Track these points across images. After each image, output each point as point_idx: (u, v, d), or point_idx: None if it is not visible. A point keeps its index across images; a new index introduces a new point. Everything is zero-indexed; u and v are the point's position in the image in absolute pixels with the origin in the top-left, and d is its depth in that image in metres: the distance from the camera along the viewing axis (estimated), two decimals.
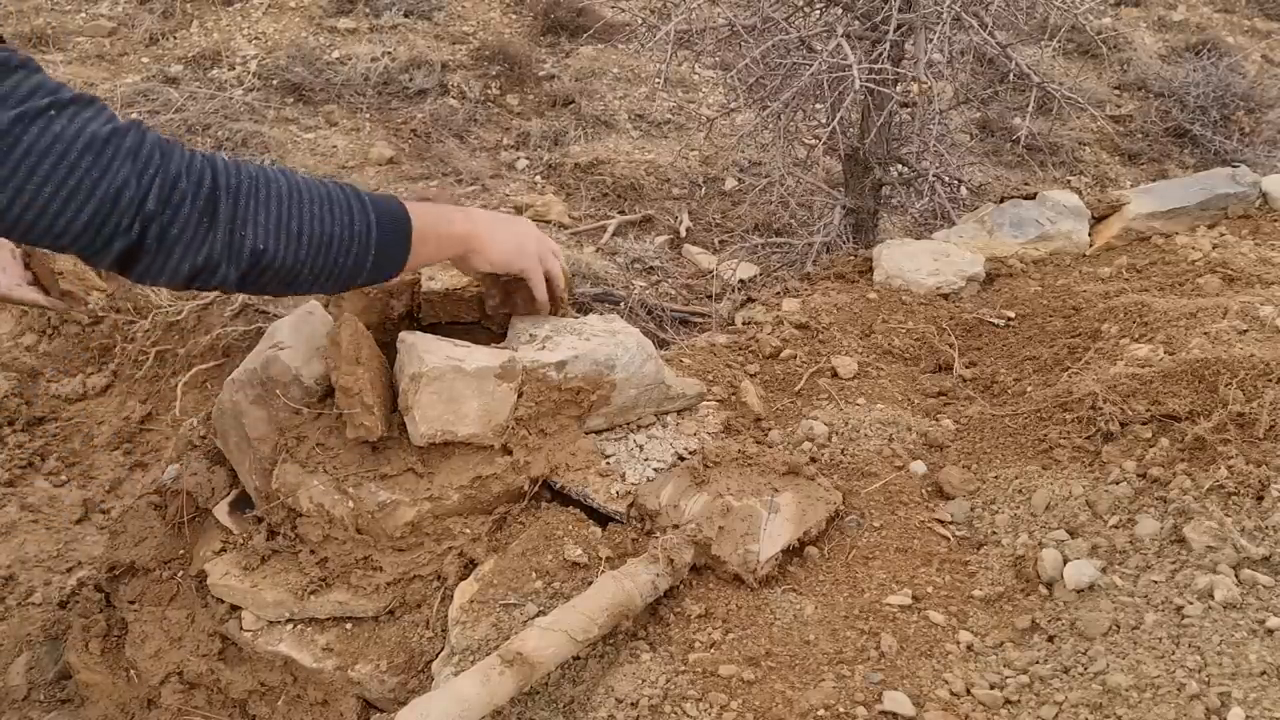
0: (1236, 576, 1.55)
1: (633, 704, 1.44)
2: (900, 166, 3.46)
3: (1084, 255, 2.65)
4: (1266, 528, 1.60)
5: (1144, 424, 1.84)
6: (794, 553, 1.65)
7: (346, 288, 1.38)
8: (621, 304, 3.42)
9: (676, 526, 1.62)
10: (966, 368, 2.24)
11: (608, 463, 1.76)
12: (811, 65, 2.79)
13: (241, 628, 1.70)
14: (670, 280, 3.84)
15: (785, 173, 3.44)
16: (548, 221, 4.12)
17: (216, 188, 1.17)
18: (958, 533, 1.78)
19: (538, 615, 1.55)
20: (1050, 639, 1.56)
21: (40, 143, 1.06)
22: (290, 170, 1.28)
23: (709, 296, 3.60)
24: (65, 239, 1.10)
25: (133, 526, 1.90)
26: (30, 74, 1.09)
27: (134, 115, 4.54)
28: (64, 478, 2.80)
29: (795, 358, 2.20)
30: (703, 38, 3.19)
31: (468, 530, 1.67)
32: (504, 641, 1.47)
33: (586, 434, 1.78)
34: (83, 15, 5.42)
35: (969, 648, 1.57)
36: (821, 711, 1.43)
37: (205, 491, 1.79)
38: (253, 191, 1.20)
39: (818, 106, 3.35)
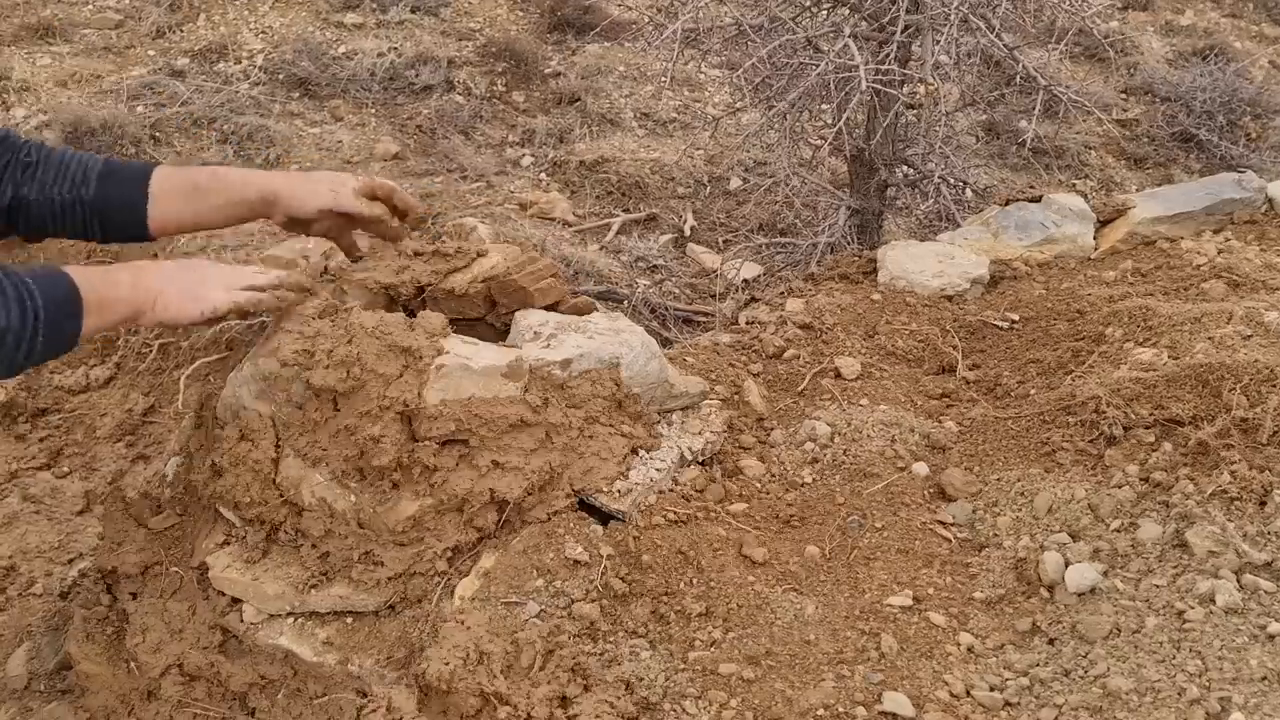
0: (1238, 581, 1.55)
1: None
2: (906, 168, 3.45)
3: (1089, 259, 2.64)
4: (1269, 533, 1.60)
5: (1147, 428, 1.84)
6: None
7: (20, 371, 1.42)
8: (625, 302, 3.42)
9: None
10: (970, 370, 2.23)
11: None
12: (818, 65, 2.79)
13: (242, 620, 1.70)
14: (674, 279, 3.83)
15: (790, 173, 3.44)
16: (552, 219, 4.12)
17: None
18: (959, 534, 1.78)
19: (539, 613, 1.56)
20: (1051, 642, 1.56)
21: None
22: None
23: (713, 296, 3.60)
24: None
25: (110, 531, 1.91)
26: None
27: (140, 109, 4.54)
28: (66, 469, 2.81)
29: (798, 358, 2.20)
30: (709, 37, 3.19)
31: (469, 527, 1.67)
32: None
33: None
34: (89, 8, 5.42)
35: (969, 649, 1.57)
36: (821, 711, 1.43)
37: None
38: None
39: (824, 107, 3.35)
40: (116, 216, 1.63)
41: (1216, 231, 2.69)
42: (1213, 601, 1.52)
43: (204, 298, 1.54)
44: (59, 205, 1.61)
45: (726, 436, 1.95)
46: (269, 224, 1.82)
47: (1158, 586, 1.58)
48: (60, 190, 1.60)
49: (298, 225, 1.75)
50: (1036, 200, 2.78)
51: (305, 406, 1.64)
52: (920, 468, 1.90)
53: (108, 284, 1.45)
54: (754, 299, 3.23)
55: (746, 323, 2.38)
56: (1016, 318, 2.38)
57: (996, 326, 2.36)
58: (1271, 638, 1.46)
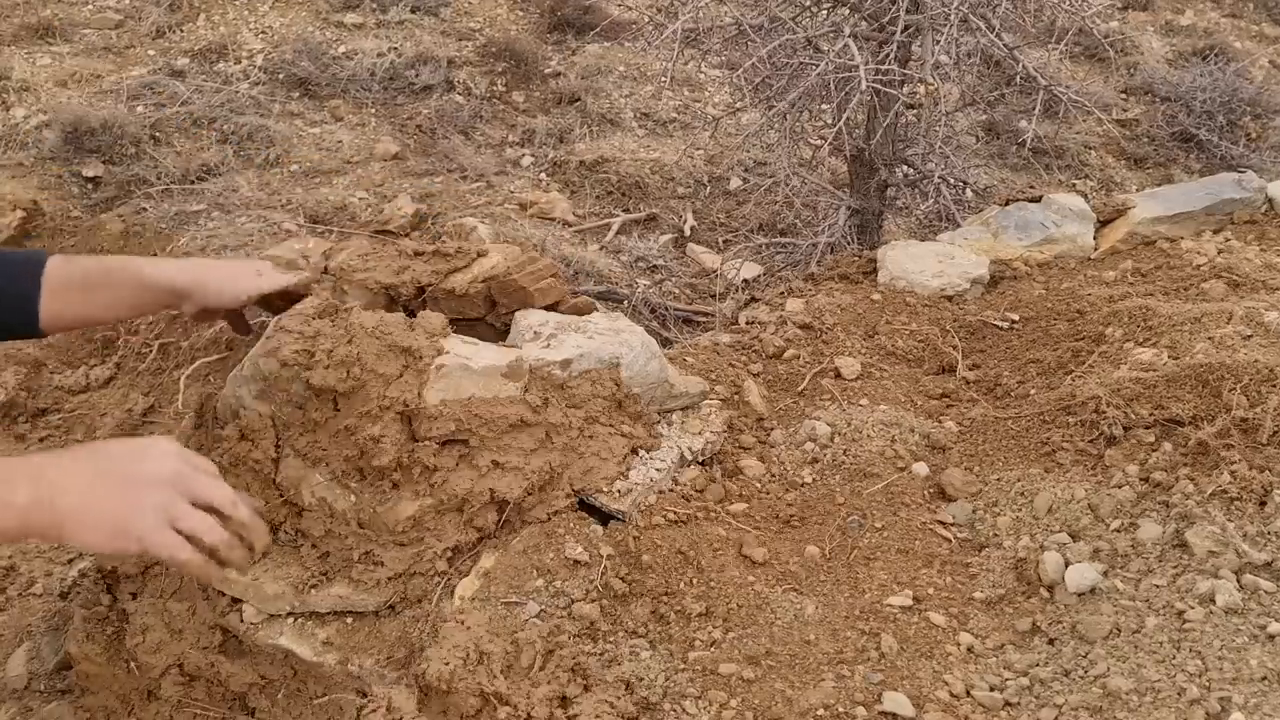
0: (1238, 581, 1.55)
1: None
2: (906, 168, 3.45)
3: (1089, 259, 2.64)
4: (1269, 533, 1.60)
5: (1147, 428, 1.84)
6: None
7: None
8: (625, 302, 3.42)
9: None
10: (970, 370, 2.23)
11: None
12: (818, 65, 2.79)
13: (242, 620, 1.70)
14: (674, 279, 3.83)
15: (790, 173, 3.44)
16: (552, 219, 4.12)
17: None
18: (959, 534, 1.78)
19: (539, 613, 1.56)
20: (1051, 642, 1.56)
21: None
22: None
23: (713, 296, 3.60)
24: None
25: None
26: None
27: (140, 109, 4.54)
28: None
29: (798, 358, 2.20)
30: (709, 36, 3.19)
31: (470, 526, 1.67)
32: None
33: None
34: (90, 7, 5.42)
35: (969, 649, 1.57)
36: (821, 711, 1.43)
37: None
38: None
39: (824, 107, 3.35)
40: (6, 308, 1.45)
41: (1216, 231, 2.69)
42: (1213, 601, 1.52)
43: (133, 533, 1.19)
44: None
45: (726, 436, 1.95)
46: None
47: (1158, 586, 1.58)
48: None
49: (205, 316, 1.64)
50: (1036, 200, 2.78)
51: (305, 406, 1.64)
52: (920, 468, 1.90)
53: (3, 485, 1.14)
54: (754, 299, 3.23)
55: (746, 323, 2.38)
56: (1016, 318, 2.38)
57: (996, 326, 2.36)
58: (1271, 638, 1.46)
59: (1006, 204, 2.80)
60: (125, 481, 1.20)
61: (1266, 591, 1.52)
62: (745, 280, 3.69)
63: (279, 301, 1.71)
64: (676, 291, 3.75)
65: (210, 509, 1.25)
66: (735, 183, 4.53)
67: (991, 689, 1.49)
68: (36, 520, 1.15)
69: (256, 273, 1.61)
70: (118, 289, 1.51)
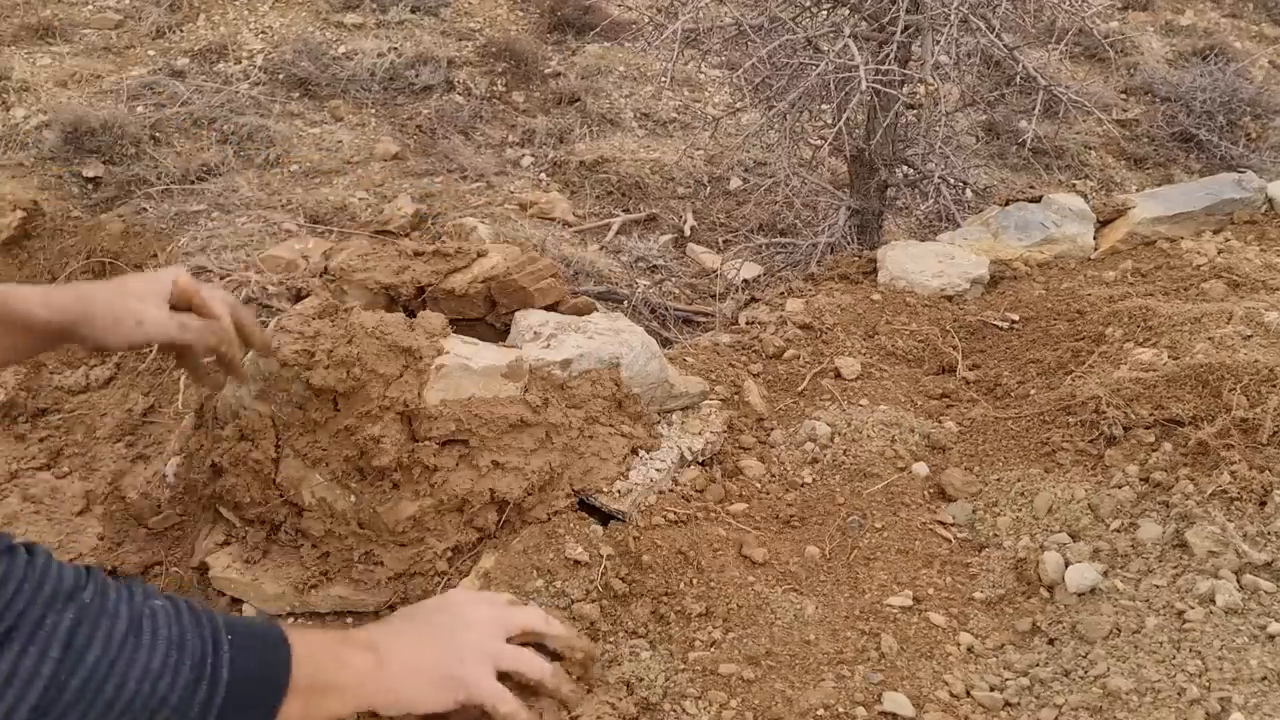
0: (1238, 581, 1.55)
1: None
2: (906, 168, 3.46)
3: (1089, 259, 2.65)
4: (1269, 533, 1.60)
5: (1147, 428, 1.84)
6: None
7: None
8: (625, 302, 3.42)
9: None
10: (970, 370, 2.23)
11: None
12: (818, 66, 2.79)
13: None
14: (674, 279, 3.83)
15: (790, 173, 3.44)
16: (552, 219, 4.12)
17: (13, 628, 0.85)
18: (959, 534, 1.78)
19: None
20: (1051, 642, 1.56)
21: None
22: (145, 596, 0.94)
23: (713, 296, 3.60)
24: None
25: (110, 531, 1.90)
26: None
27: (140, 109, 4.54)
28: (66, 469, 2.81)
29: (798, 358, 2.20)
30: (709, 37, 3.19)
31: (471, 526, 1.67)
32: None
33: None
34: (89, 7, 5.42)
35: (969, 649, 1.57)
36: (821, 711, 1.43)
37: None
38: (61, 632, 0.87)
39: (824, 107, 3.35)
40: None
41: (1216, 231, 2.69)
42: (1213, 601, 1.52)
43: (461, 681, 1.17)
44: None
45: (726, 436, 1.95)
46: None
47: (1158, 586, 1.58)
48: None
49: (102, 352, 1.44)
50: (1036, 200, 2.78)
51: (305, 406, 1.64)
52: (920, 468, 1.90)
53: (334, 665, 1.07)
54: (754, 299, 3.23)
55: (746, 323, 2.38)
56: (1016, 318, 2.38)
57: (996, 326, 2.36)
58: (1272, 638, 1.46)
59: (1006, 204, 2.80)
60: (448, 633, 1.21)
61: (1266, 591, 1.52)
62: (745, 280, 3.69)
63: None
64: (676, 291, 3.76)
65: (527, 639, 1.26)
66: (735, 183, 4.53)
67: (991, 689, 1.49)
68: (367, 698, 1.11)
69: (138, 322, 1.32)
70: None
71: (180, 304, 1.37)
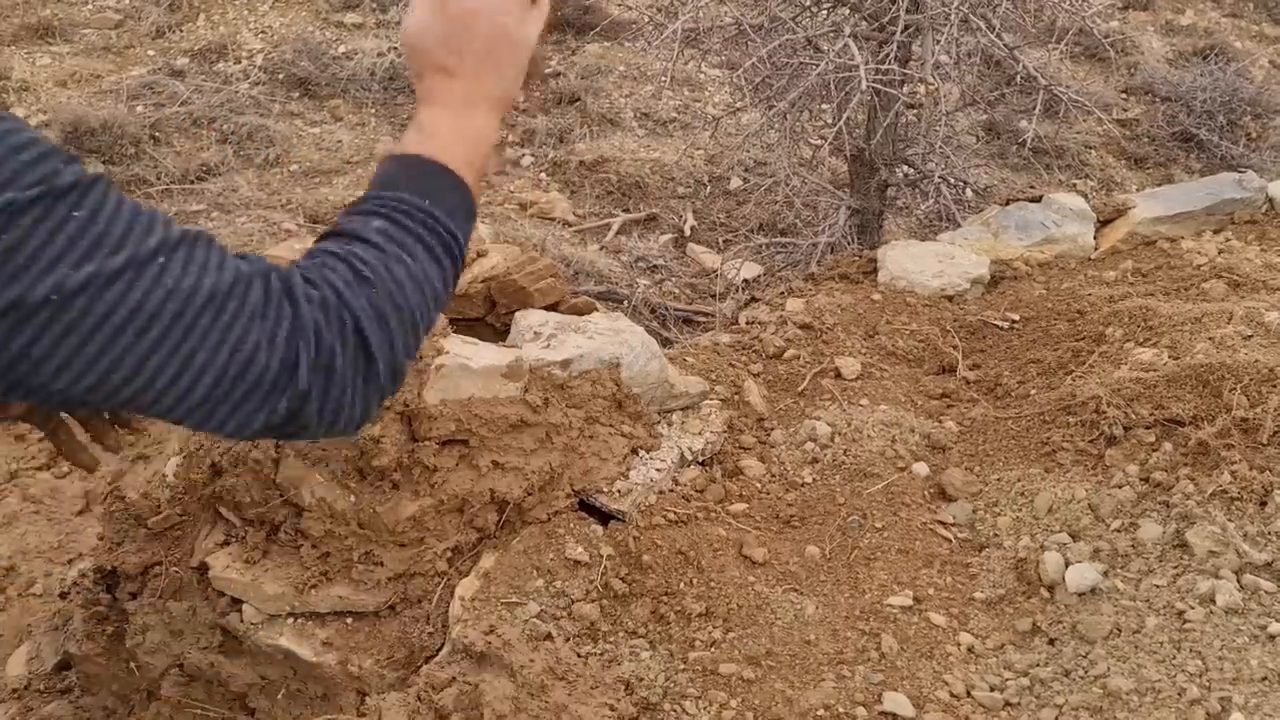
0: (1238, 581, 1.55)
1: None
2: (906, 168, 3.45)
3: (1089, 259, 2.64)
4: (1269, 533, 1.60)
5: (1147, 428, 1.84)
6: None
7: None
8: (625, 302, 3.42)
9: None
10: (970, 370, 2.23)
11: None
12: (818, 65, 2.79)
13: (242, 621, 1.70)
14: (674, 279, 3.83)
15: (790, 173, 3.44)
16: (552, 219, 4.12)
17: (360, 323, 0.95)
18: (959, 534, 1.78)
19: (539, 613, 1.56)
20: (1051, 642, 1.56)
21: (149, 302, 0.83)
22: (385, 233, 1.02)
23: (713, 296, 3.60)
24: (184, 414, 0.89)
25: (110, 531, 1.90)
26: (106, 195, 0.83)
27: (139, 108, 4.54)
28: (66, 469, 2.81)
29: (799, 358, 2.20)
30: (709, 36, 3.19)
31: (471, 526, 1.67)
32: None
33: None
34: (89, 7, 5.42)
35: (969, 649, 1.57)
36: (821, 711, 1.43)
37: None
38: (389, 305, 0.98)
39: (824, 107, 3.35)
40: None
41: (1217, 231, 2.69)
42: (1213, 602, 1.52)
43: (518, 61, 1.17)
44: None
45: (726, 436, 1.95)
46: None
47: (1158, 586, 1.58)
48: None
49: None
50: (1037, 200, 2.78)
51: None
52: (920, 468, 1.90)
53: (468, 147, 1.11)
54: (754, 299, 3.23)
55: (746, 323, 2.38)
56: (1017, 318, 2.38)
57: (997, 326, 2.36)
58: (1272, 638, 1.46)
59: (1007, 204, 2.80)
60: (488, 20, 1.13)
61: (1267, 591, 1.52)
62: (745, 280, 3.69)
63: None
64: (676, 291, 3.75)
65: None
66: (735, 183, 4.53)
67: (992, 689, 1.49)
68: (498, 112, 1.12)
69: None
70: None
71: None
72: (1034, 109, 2.92)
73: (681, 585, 1.62)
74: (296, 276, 0.95)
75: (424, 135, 1.08)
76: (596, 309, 2.02)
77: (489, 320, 1.94)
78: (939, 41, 2.74)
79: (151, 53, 5.09)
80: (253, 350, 0.88)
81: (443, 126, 1.10)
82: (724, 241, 4.12)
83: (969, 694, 1.49)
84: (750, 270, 3.76)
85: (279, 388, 0.89)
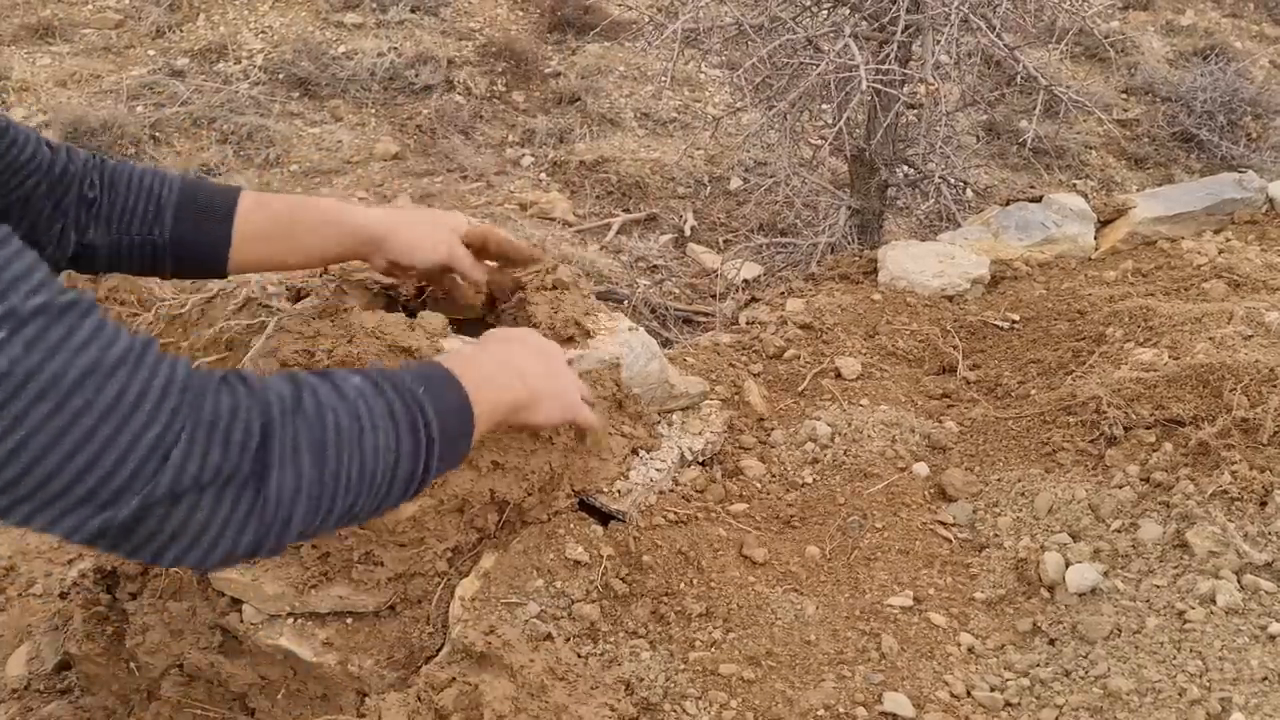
0: (1239, 582, 1.55)
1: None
2: (906, 168, 3.45)
3: (1089, 259, 2.64)
4: (1269, 533, 1.60)
5: (1148, 428, 1.84)
6: None
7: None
8: (625, 302, 3.42)
9: None
10: (970, 370, 2.23)
11: None
12: (818, 65, 2.79)
13: (242, 621, 1.70)
14: (674, 279, 3.83)
15: (791, 173, 3.44)
16: (552, 219, 4.12)
17: (267, 444, 0.85)
18: (960, 535, 1.78)
19: (539, 614, 1.56)
20: (1051, 642, 1.56)
21: (17, 370, 0.72)
22: (358, 389, 0.96)
23: (713, 296, 3.60)
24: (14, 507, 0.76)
25: None
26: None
27: (139, 108, 4.54)
28: None
29: (799, 358, 2.20)
30: (709, 36, 3.19)
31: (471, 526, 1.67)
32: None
33: None
34: (89, 7, 5.42)
35: (970, 650, 1.57)
36: (821, 711, 1.43)
37: None
38: (314, 447, 0.89)
39: (824, 107, 3.35)
40: (194, 256, 1.38)
41: (1217, 231, 2.69)
42: (1213, 602, 1.52)
43: (571, 404, 1.34)
44: (126, 247, 1.35)
45: (727, 437, 1.95)
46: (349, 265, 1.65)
47: (1158, 587, 1.57)
48: (130, 232, 1.34)
49: (397, 270, 1.57)
50: (1037, 200, 2.78)
51: None
52: (921, 468, 1.90)
53: (489, 381, 1.15)
54: (754, 299, 3.23)
55: (746, 323, 2.38)
56: (1017, 318, 2.38)
57: (997, 326, 2.36)
58: (1272, 638, 1.46)
59: (1007, 204, 2.80)
60: (548, 354, 1.35)
61: (1267, 592, 1.52)
62: (745, 280, 3.69)
63: (498, 277, 1.67)
64: (676, 291, 3.76)
65: None
66: (735, 183, 4.53)
67: (992, 689, 1.49)
68: (521, 401, 1.24)
69: (448, 245, 1.52)
70: (308, 234, 1.43)
71: (473, 243, 1.58)
72: (1034, 109, 2.92)
73: (682, 585, 1.62)
74: (230, 373, 0.88)
75: (463, 360, 1.14)
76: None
77: (489, 320, 1.94)
78: (939, 41, 2.74)
79: (151, 53, 5.09)
80: (135, 436, 0.77)
81: (486, 366, 1.19)
82: (724, 241, 4.12)
83: (969, 694, 1.49)
84: (750, 270, 3.76)
85: (133, 486, 0.77)
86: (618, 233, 4.12)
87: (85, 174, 1.33)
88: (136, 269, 1.39)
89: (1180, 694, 1.41)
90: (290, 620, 1.68)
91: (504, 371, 1.23)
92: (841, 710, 1.43)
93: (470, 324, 1.91)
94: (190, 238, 1.36)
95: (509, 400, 1.21)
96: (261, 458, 0.84)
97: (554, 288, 1.85)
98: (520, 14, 5.76)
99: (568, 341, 1.76)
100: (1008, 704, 1.47)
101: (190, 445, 0.80)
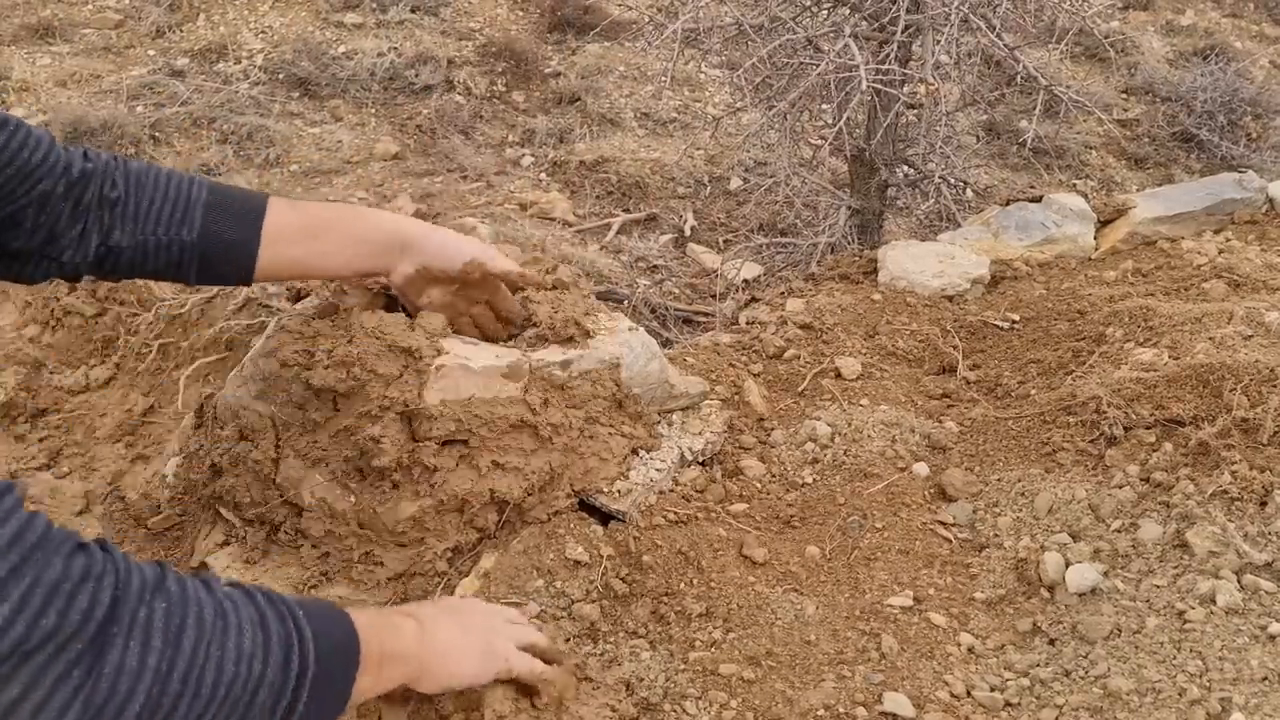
0: (1239, 582, 1.55)
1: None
2: (906, 168, 3.45)
3: (1089, 259, 2.64)
4: (1269, 533, 1.60)
5: (1148, 428, 1.84)
6: None
7: None
8: (625, 302, 3.42)
9: None
10: (970, 370, 2.23)
11: None
12: (818, 65, 2.79)
13: None
14: (674, 279, 3.83)
15: (791, 173, 3.44)
16: (552, 219, 4.12)
17: (113, 616, 0.79)
18: (960, 535, 1.78)
19: (539, 614, 1.56)
20: (1051, 642, 1.56)
21: None
22: (229, 595, 0.91)
23: (713, 296, 3.60)
24: None
25: (110, 531, 1.90)
26: None
27: (139, 108, 4.54)
28: (66, 469, 2.80)
29: (799, 358, 2.20)
30: (709, 36, 3.19)
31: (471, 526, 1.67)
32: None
33: None
34: (89, 7, 5.42)
35: (970, 650, 1.57)
36: (821, 711, 1.43)
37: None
38: (165, 636, 0.82)
39: (824, 107, 3.35)
40: (222, 258, 1.36)
41: (1217, 231, 2.69)
42: (1213, 602, 1.52)
43: (499, 654, 1.28)
44: (153, 248, 1.33)
45: (727, 437, 1.95)
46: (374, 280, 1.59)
47: (1158, 587, 1.57)
48: (156, 232, 1.32)
49: (417, 283, 1.55)
50: (1037, 200, 2.78)
51: (305, 406, 1.64)
52: (921, 468, 1.90)
53: (391, 633, 1.11)
54: (754, 299, 3.23)
55: (746, 323, 2.38)
56: (1017, 318, 2.38)
57: (997, 326, 2.36)
58: (1272, 638, 1.46)
59: (1007, 204, 2.80)
60: (478, 612, 1.34)
61: (1267, 592, 1.52)
62: (745, 280, 3.69)
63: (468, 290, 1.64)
64: (676, 291, 3.75)
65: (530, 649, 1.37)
66: (735, 183, 4.53)
67: (992, 689, 1.49)
68: (424, 662, 1.17)
69: (483, 246, 1.55)
70: (340, 235, 1.43)
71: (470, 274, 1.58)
72: (1034, 109, 2.92)
73: (682, 585, 1.62)
74: (97, 540, 0.84)
75: (368, 615, 1.09)
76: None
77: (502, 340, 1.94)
78: (939, 41, 2.74)
79: (151, 53, 5.09)
80: None
81: (373, 612, 1.15)
82: (724, 241, 4.12)
83: (969, 694, 1.49)
84: (750, 270, 3.76)
85: None
86: (618, 233, 4.12)
87: (106, 174, 1.29)
88: (161, 271, 1.36)
89: (1180, 694, 1.41)
90: None
91: (407, 626, 1.15)
92: (841, 710, 1.43)
93: None
94: (221, 238, 1.34)
95: (407, 653, 1.12)
96: (105, 629, 0.77)
97: (554, 288, 1.85)
98: (520, 14, 5.76)
99: (568, 341, 1.76)
100: (1008, 704, 1.47)
101: (21, 605, 0.72)
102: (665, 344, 2.76)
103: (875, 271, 2.55)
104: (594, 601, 1.58)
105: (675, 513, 1.73)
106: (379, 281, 1.63)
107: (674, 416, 1.92)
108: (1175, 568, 1.60)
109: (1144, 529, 1.67)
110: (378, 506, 1.62)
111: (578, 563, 1.61)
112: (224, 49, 5.08)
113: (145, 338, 3.07)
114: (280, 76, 4.91)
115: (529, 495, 1.67)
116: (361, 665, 1.02)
